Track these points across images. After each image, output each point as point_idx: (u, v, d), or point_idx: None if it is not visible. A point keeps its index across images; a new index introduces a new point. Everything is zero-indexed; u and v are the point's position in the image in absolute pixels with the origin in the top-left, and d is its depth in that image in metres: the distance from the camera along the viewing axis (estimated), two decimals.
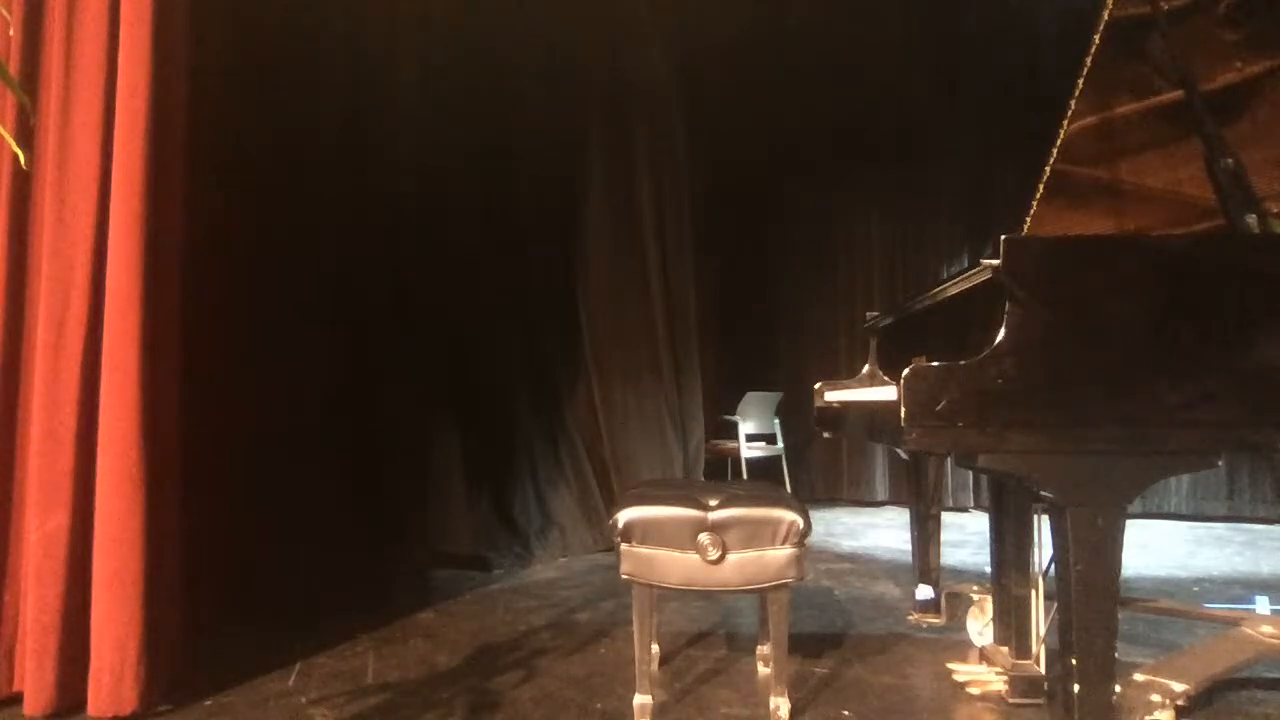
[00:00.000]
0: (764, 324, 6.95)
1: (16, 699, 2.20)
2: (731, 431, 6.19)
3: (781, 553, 2.12)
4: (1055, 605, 1.88)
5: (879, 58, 5.75)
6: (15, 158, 2.18)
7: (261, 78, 3.26)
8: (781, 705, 2.14)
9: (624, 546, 2.16)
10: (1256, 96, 2.26)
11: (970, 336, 1.96)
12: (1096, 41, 2.15)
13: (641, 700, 2.15)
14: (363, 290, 3.82)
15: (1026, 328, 1.77)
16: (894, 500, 6.55)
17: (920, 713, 2.28)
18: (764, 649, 2.55)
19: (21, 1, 2.26)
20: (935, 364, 1.79)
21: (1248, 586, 3.80)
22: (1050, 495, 1.79)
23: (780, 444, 6.35)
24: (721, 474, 6.26)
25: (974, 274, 1.99)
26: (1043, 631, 2.31)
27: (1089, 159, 2.31)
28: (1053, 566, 1.91)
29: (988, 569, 2.64)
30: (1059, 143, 2.22)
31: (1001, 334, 1.77)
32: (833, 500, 6.75)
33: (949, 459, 2.64)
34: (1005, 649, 2.45)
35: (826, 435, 3.25)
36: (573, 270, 4.91)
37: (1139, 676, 2.09)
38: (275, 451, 3.26)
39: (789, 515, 2.13)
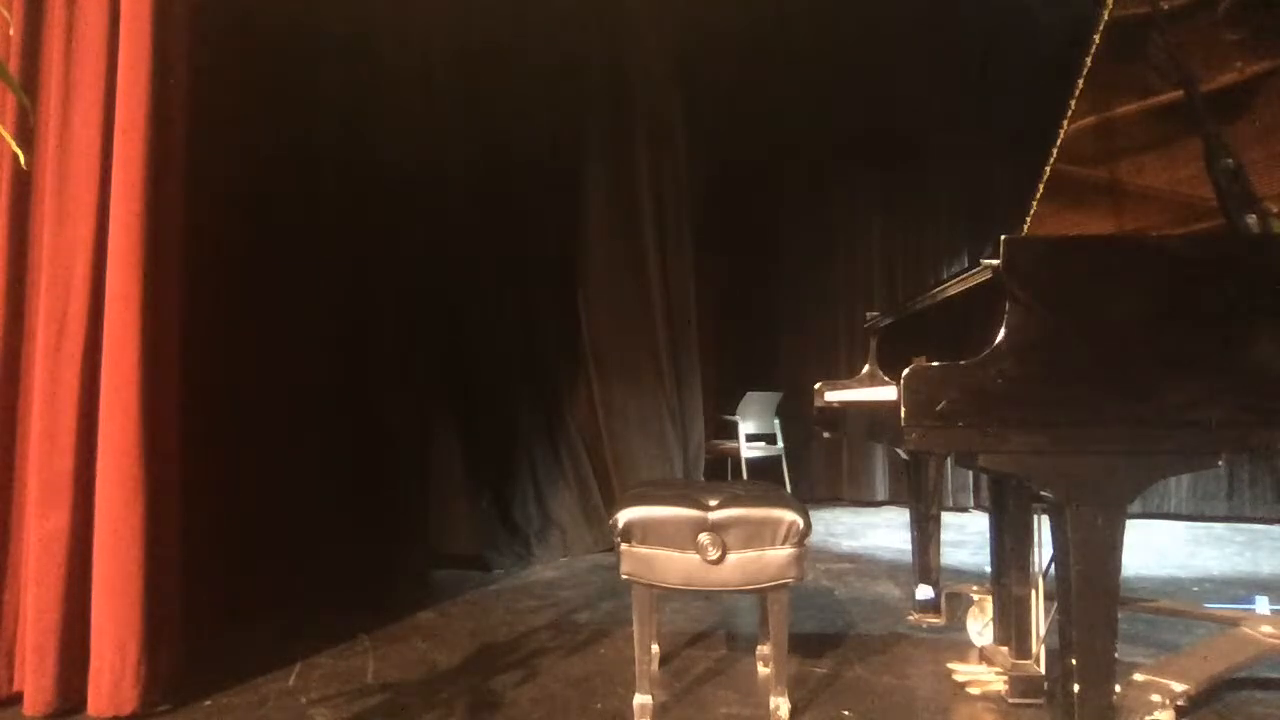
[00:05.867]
0: (764, 324, 6.95)
1: (16, 699, 2.20)
2: (731, 431, 6.19)
3: (781, 553, 2.12)
4: (1055, 605, 1.88)
5: (879, 57, 5.75)
6: (15, 158, 2.17)
7: (261, 76, 3.25)
8: (781, 705, 2.14)
9: (624, 546, 2.16)
10: (1256, 96, 2.26)
11: (970, 336, 1.96)
12: (1096, 41, 2.15)
13: (641, 700, 2.15)
14: (363, 289, 3.82)
15: (1026, 328, 1.77)
16: (894, 500, 6.54)
17: (920, 713, 2.28)
18: (764, 649, 2.55)
19: (21, 1, 2.26)
20: (935, 364, 1.79)
21: (1248, 586, 3.79)
22: (1050, 495, 1.79)
23: (780, 444, 6.35)
24: (721, 474, 6.26)
25: (974, 274, 1.99)
26: (1043, 631, 2.31)
27: (1089, 159, 2.31)
28: (1053, 566, 1.91)
29: (988, 569, 2.64)
30: (1059, 143, 2.22)
31: (1001, 334, 1.77)
32: (833, 500, 6.74)
33: (949, 459, 2.64)
34: (1005, 649, 2.45)
35: (826, 435, 3.25)
36: (573, 270, 4.90)
37: (1139, 676, 2.09)
38: (275, 451, 3.26)
39: (789, 515, 2.13)
